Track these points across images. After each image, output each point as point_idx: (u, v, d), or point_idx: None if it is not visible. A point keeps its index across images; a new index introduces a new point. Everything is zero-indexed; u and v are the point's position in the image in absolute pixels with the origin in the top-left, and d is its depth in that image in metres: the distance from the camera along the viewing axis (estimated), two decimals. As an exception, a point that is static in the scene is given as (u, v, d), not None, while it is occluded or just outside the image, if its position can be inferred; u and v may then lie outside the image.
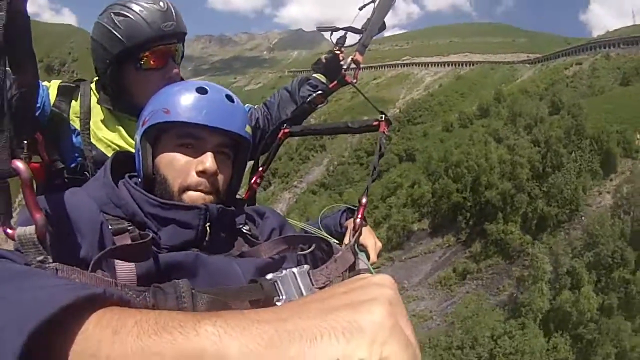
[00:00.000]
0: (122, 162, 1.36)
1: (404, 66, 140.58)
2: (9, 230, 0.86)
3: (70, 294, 0.59)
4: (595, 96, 69.90)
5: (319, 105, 2.29)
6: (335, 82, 2.23)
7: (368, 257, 1.61)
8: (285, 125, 2.02)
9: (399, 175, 64.61)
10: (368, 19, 2.24)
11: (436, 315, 48.42)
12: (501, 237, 50.22)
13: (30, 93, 1.01)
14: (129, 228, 1.17)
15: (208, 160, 1.24)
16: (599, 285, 42.68)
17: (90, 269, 0.94)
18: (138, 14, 1.83)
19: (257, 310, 0.57)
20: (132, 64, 1.86)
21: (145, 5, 1.85)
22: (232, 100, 1.30)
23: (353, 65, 2.24)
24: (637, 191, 47.35)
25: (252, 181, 1.89)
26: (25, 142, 1.30)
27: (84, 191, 1.22)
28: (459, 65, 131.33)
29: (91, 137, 1.93)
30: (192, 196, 1.25)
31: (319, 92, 2.25)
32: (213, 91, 1.28)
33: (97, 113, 1.96)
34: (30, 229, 0.85)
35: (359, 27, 2.26)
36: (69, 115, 1.93)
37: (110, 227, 1.15)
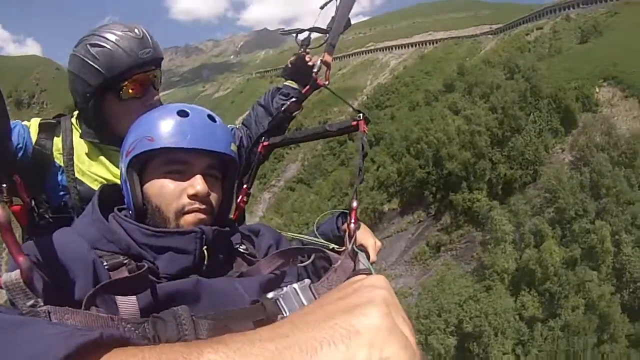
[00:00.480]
0: (109, 196, 1.34)
1: (368, 53, 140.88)
2: None
3: (68, 341, 0.57)
4: (552, 57, 70.53)
5: (295, 113, 2.25)
6: (308, 86, 2.17)
7: (368, 257, 1.59)
8: (263, 138, 2.00)
9: (365, 160, 64.65)
10: (332, 17, 2.17)
11: (415, 291, 48.71)
12: (468, 205, 50.69)
13: (0, 137, 1.00)
14: (124, 262, 1.15)
15: (199, 184, 1.24)
16: (564, 240, 43.15)
17: (83, 306, 0.92)
18: (115, 43, 1.81)
19: (257, 329, 0.57)
20: (112, 94, 1.84)
21: (120, 34, 1.83)
22: (214, 120, 1.29)
23: (323, 67, 2.17)
24: (591, 141, 47.82)
25: (239, 200, 1.87)
26: (4, 185, 1.34)
27: (73, 230, 1.21)
28: (422, 45, 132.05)
29: (76, 173, 1.91)
30: (188, 219, 1.25)
31: (293, 99, 2.23)
32: (194, 113, 1.27)
33: (80, 147, 1.94)
34: (16, 273, 0.81)
35: (324, 27, 2.20)
36: (52, 152, 1.90)
37: (105, 263, 1.12)
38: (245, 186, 1.89)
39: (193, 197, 1.24)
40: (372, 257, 1.67)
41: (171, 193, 1.24)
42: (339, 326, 0.52)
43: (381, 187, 58.54)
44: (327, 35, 2.17)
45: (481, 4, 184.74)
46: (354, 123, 1.78)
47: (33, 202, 1.92)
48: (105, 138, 1.91)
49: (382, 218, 57.83)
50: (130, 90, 1.84)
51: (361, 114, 1.79)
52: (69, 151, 1.92)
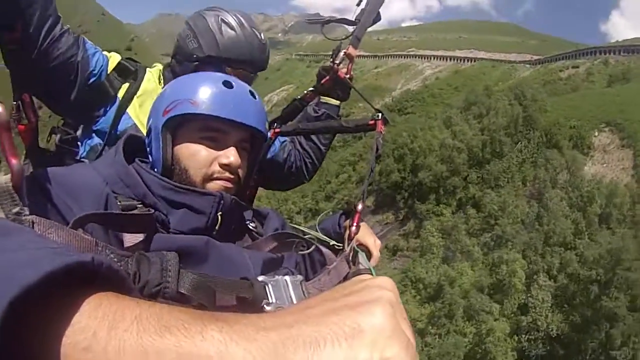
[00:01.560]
0: (133, 146, 1.35)
1: (406, 57, 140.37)
2: None
3: (55, 257, 0.55)
4: (567, 94, 69.76)
5: (310, 103, 2.23)
6: (328, 77, 2.10)
7: (369, 257, 1.63)
8: (275, 124, 1.96)
9: (352, 154, 65.51)
10: (362, 9, 2.13)
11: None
12: (431, 217, 51.15)
13: (24, 53, 1.04)
14: (138, 206, 1.15)
15: (232, 155, 1.25)
16: (484, 266, 43.51)
17: (70, 225, 0.88)
18: (244, 34, 1.93)
19: (261, 315, 0.57)
20: (211, 70, 1.83)
21: (251, 31, 1.95)
22: (254, 97, 1.31)
23: (346, 59, 2.11)
24: (551, 177, 48.04)
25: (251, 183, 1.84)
26: (15, 102, 1.40)
27: (91, 167, 1.22)
28: (460, 60, 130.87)
29: (130, 110, 1.93)
30: (214, 186, 1.26)
31: (311, 89, 2.19)
32: (237, 86, 1.29)
33: (144, 96, 1.97)
34: (6, 178, 0.79)
35: (352, 19, 2.14)
36: (116, 91, 1.93)
37: (119, 202, 1.12)
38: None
39: (224, 166, 1.26)
40: (375, 254, 1.70)
41: (203, 159, 1.25)
42: (344, 323, 0.52)
43: (361, 182, 58.81)
44: (354, 27, 2.11)
45: (530, 34, 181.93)
46: (372, 122, 1.77)
47: (58, 124, 2.01)
48: None
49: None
50: (238, 76, 1.84)
51: (380, 114, 1.76)
52: (131, 95, 1.94)
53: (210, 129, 1.24)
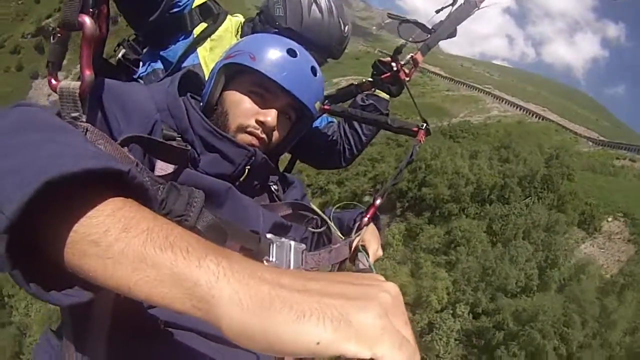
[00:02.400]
0: (189, 81, 1.38)
1: (480, 91, 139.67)
2: (53, 81, 0.84)
3: (97, 160, 0.59)
4: (602, 174, 68.94)
5: (364, 92, 2.26)
6: (388, 73, 2.09)
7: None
8: (327, 101, 1.99)
9: (379, 153, 66.96)
10: (440, 21, 2.12)
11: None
12: (418, 232, 52.26)
13: None
14: (177, 138, 1.19)
15: (271, 116, 1.29)
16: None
17: (120, 141, 0.91)
18: (329, 21, 1.96)
19: (262, 265, 0.57)
20: None
21: (338, 21, 2.00)
22: (315, 74, 1.33)
23: (411, 63, 2.09)
24: (526, 229, 48.23)
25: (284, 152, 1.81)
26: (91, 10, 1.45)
27: (148, 90, 1.25)
28: (529, 114, 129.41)
29: (200, 50, 1.95)
30: (244, 138, 1.30)
31: (369, 79, 2.20)
32: (302, 57, 1.31)
33: (216, 41, 1.99)
34: (75, 84, 0.83)
35: (430, 27, 2.12)
36: (192, 28, 1.95)
37: (162, 130, 1.16)
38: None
39: (260, 123, 1.29)
40: (370, 260, 1.67)
41: (245, 109, 1.29)
42: (335, 308, 0.52)
43: (373, 180, 60.73)
44: (429, 35, 2.10)
45: (607, 116, 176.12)
46: (415, 129, 1.80)
47: (127, 39, 2.09)
48: None
49: (350, 204, 60.10)
50: None
51: (425, 124, 1.81)
52: (206, 36, 1.96)
53: (261, 86, 1.29)
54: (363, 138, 2.41)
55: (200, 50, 1.97)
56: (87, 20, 0.85)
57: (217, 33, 2.01)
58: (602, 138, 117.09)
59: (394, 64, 2.11)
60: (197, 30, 1.96)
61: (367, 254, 1.60)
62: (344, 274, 0.65)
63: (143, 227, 0.58)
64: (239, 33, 2.10)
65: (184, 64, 1.92)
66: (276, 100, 1.32)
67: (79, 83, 0.84)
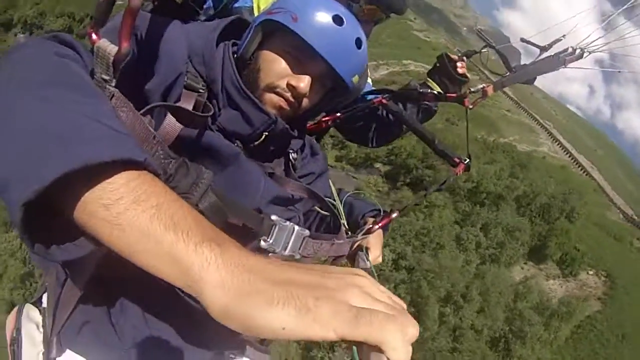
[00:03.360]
0: (234, 29, 1.35)
1: (539, 124, 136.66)
2: (93, 36, 0.85)
3: (117, 147, 0.64)
4: (610, 237, 67.50)
5: (425, 103, 2.24)
6: (455, 94, 2.04)
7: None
8: (387, 95, 1.95)
9: (402, 139, 66.46)
10: (525, 64, 2.05)
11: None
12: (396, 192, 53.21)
13: None
14: (200, 90, 1.18)
15: (304, 82, 1.25)
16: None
17: (143, 111, 0.93)
18: None
19: (251, 254, 0.62)
20: None
21: None
22: (359, 46, 1.27)
23: (480, 93, 2.02)
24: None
25: (324, 118, 1.82)
26: None
27: (186, 31, 1.22)
28: (577, 164, 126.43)
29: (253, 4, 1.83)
30: (272, 99, 1.27)
31: (436, 92, 2.16)
32: (347, 27, 1.24)
33: None
34: (112, 49, 0.84)
35: (512, 64, 2.05)
36: None
37: (186, 79, 1.15)
38: (339, 114, 1.85)
39: (291, 87, 1.25)
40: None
41: (277, 70, 1.26)
42: (298, 297, 0.57)
43: (390, 149, 60.70)
44: (507, 72, 2.04)
45: None
46: (456, 160, 1.75)
47: None
48: None
49: (362, 165, 61.91)
50: (365, 11, 1.92)
51: (468, 160, 1.76)
52: None
53: (299, 49, 1.24)
54: (402, 130, 2.40)
55: None
56: None
57: None
58: (635, 217, 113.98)
59: (461, 70, 2.20)
60: None
61: (368, 255, 1.58)
62: (323, 266, 0.67)
63: (153, 203, 0.62)
64: None
65: (236, 5, 1.80)
66: (312, 67, 1.27)
67: (115, 48, 0.83)
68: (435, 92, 2.17)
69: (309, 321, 0.56)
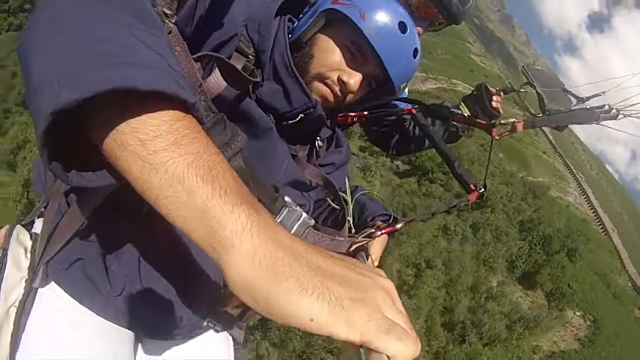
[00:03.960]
0: (294, 2, 1.33)
1: (571, 174, 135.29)
2: None
3: (170, 84, 0.60)
4: (608, 288, 66.74)
5: (454, 123, 2.20)
6: (484, 122, 1.94)
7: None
8: (417, 106, 1.91)
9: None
10: (559, 110, 1.97)
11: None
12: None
13: None
14: (250, 56, 1.19)
15: (355, 79, 1.26)
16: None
17: (196, 56, 0.95)
18: None
19: (284, 230, 0.59)
20: None
21: None
22: (415, 56, 1.31)
23: (508, 127, 1.92)
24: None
25: (350, 113, 1.74)
26: None
27: None
28: (599, 222, 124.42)
29: None
30: (320, 88, 1.28)
31: (466, 115, 2.10)
32: (410, 35, 1.27)
33: None
34: None
35: (547, 107, 1.97)
36: None
37: (240, 42, 1.15)
38: (366, 112, 1.79)
39: (341, 82, 1.26)
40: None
41: (332, 61, 1.27)
42: (333, 291, 0.55)
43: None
44: (540, 114, 1.96)
45: None
46: (472, 187, 1.70)
47: None
48: None
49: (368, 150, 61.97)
50: (421, 8, 1.93)
51: (484, 190, 1.72)
52: None
53: (358, 46, 1.26)
54: (423, 147, 2.41)
55: None
56: None
57: None
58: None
59: (495, 104, 2.19)
60: None
61: (367, 255, 1.60)
62: (351, 259, 0.65)
63: (193, 149, 0.59)
64: None
65: None
66: (366, 65, 1.28)
67: None
68: (466, 114, 2.12)
69: (340, 320, 0.54)
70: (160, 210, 0.59)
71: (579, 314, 54.29)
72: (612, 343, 52.25)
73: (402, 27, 1.25)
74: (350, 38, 1.26)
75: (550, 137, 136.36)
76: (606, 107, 1.89)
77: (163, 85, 0.58)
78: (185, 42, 0.86)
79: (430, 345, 36.76)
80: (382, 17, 1.23)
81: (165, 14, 0.82)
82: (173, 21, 0.83)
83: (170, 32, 0.81)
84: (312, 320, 0.53)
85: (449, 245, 44.38)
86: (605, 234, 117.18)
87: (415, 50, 1.30)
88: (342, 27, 1.26)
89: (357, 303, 0.55)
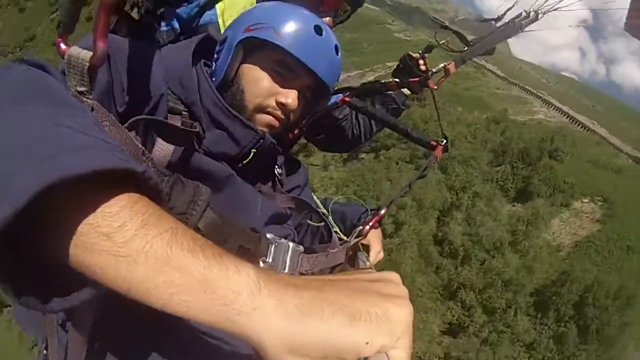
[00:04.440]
0: (205, 47, 1.31)
1: (531, 94, 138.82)
2: (62, 45, 0.79)
3: (109, 156, 0.54)
4: (606, 170, 68.65)
5: (392, 97, 2.25)
6: (418, 78, 2.02)
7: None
8: (348, 93, 1.89)
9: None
10: (481, 36, 2.09)
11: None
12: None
13: None
14: (183, 112, 1.15)
15: (292, 97, 1.25)
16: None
17: (127, 125, 0.88)
18: None
19: (284, 273, 0.59)
20: None
21: None
22: (337, 52, 1.30)
23: (442, 72, 2.03)
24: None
25: (297, 131, 1.73)
26: None
27: (159, 57, 1.16)
28: (575, 122, 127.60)
29: (219, 5, 1.76)
30: (264, 119, 1.26)
31: (396, 80, 2.05)
32: (327, 36, 1.26)
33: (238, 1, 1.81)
34: (86, 54, 0.77)
35: (470, 40, 2.08)
36: None
37: (168, 102, 1.12)
38: (304, 122, 1.75)
39: (281, 105, 1.25)
40: (372, 260, 1.66)
41: (265, 88, 1.25)
42: (377, 307, 0.55)
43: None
44: (466, 47, 2.07)
45: None
46: (434, 143, 1.73)
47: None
48: None
49: (348, 159, 64.15)
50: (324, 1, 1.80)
51: (444, 141, 1.74)
52: None
53: (284, 65, 1.24)
54: (373, 128, 2.42)
55: (219, 5, 1.76)
56: None
57: None
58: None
59: (423, 67, 2.19)
60: None
61: (368, 254, 1.60)
62: (358, 272, 0.66)
63: (166, 225, 0.54)
64: None
65: (202, 22, 1.73)
66: (297, 80, 1.28)
67: (89, 54, 0.77)
68: (397, 80, 2.02)
69: (387, 331, 0.54)
70: (156, 304, 0.53)
71: (586, 200, 56.55)
72: (628, 208, 53.99)
73: (318, 30, 1.25)
74: (273, 59, 1.25)
75: (498, 72, 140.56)
76: (523, 14, 1.99)
77: (102, 163, 0.52)
78: (113, 116, 0.82)
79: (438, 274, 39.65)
80: (297, 27, 1.23)
81: (81, 92, 0.78)
82: (92, 97, 0.79)
83: (92, 109, 0.76)
84: (367, 343, 0.53)
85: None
86: (586, 130, 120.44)
87: (336, 47, 1.30)
88: (262, 51, 1.25)
89: (400, 310, 0.57)
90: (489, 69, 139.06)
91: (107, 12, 0.75)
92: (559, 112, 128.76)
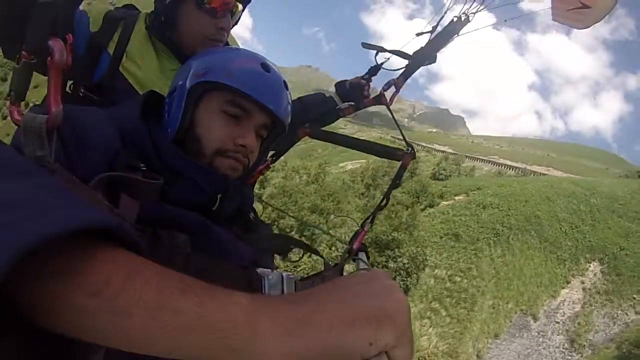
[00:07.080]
0: (150, 104, 1.32)
1: (481, 161, 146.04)
2: (16, 114, 0.78)
3: (82, 214, 0.52)
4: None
5: (347, 116, 2.33)
6: (372, 98, 2.18)
7: (368, 258, 1.67)
8: (308, 125, 1.96)
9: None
10: (421, 47, 2.17)
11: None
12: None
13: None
14: (142, 168, 1.11)
15: (251, 137, 1.26)
16: None
17: (92, 184, 0.86)
18: None
19: (273, 295, 0.59)
20: (194, 1, 1.82)
21: None
22: (286, 87, 1.33)
23: (393, 88, 2.15)
24: None
25: (259, 169, 1.79)
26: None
27: (109, 117, 1.15)
28: (515, 170, 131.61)
29: (121, 67, 1.83)
30: (225, 163, 1.26)
31: (351, 102, 2.23)
32: (274, 73, 1.29)
33: (136, 44, 1.88)
34: (41, 118, 0.76)
35: (409, 53, 2.17)
36: (107, 44, 1.84)
37: (125, 159, 1.09)
38: (269, 160, 1.86)
39: (240, 146, 1.25)
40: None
41: (221, 133, 1.24)
42: (371, 306, 0.56)
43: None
44: (408, 61, 2.17)
45: (628, 166, 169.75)
46: (400, 154, 1.81)
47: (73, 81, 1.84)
48: (163, 38, 1.87)
49: None
50: (211, 4, 1.82)
51: (411, 149, 1.80)
52: (123, 44, 1.85)
53: (237, 105, 1.25)
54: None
55: (123, 69, 1.84)
56: (57, 45, 0.78)
57: (130, 43, 1.88)
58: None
59: (366, 87, 2.35)
60: (112, 47, 1.85)
61: (367, 255, 1.64)
62: (345, 277, 0.65)
63: (152, 271, 0.53)
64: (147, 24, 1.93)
65: (117, 86, 1.80)
66: (253, 119, 1.28)
67: (45, 117, 0.77)
68: (352, 103, 2.24)
69: (389, 329, 0.55)
70: (162, 352, 0.52)
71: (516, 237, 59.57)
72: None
73: (265, 67, 1.28)
74: (226, 101, 1.25)
75: (449, 150, 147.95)
76: (455, 20, 2.16)
77: (75, 222, 0.49)
78: (75, 177, 0.76)
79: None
80: (246, 67, 1.26)
81: (40, 157, 0.76)
82: (51, 160, 0.76)
83: (54, 172, 0.72)
84: (371, 344, 0.54)
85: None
86: (541, 175, 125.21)
87: (284, 82, 1.33)
88: (214, 95, 1.25)
89: (401, 305, 0.58)
90: (438, 150, 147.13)
91: (59, 74, 0.78)
92: (512, 169, 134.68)
